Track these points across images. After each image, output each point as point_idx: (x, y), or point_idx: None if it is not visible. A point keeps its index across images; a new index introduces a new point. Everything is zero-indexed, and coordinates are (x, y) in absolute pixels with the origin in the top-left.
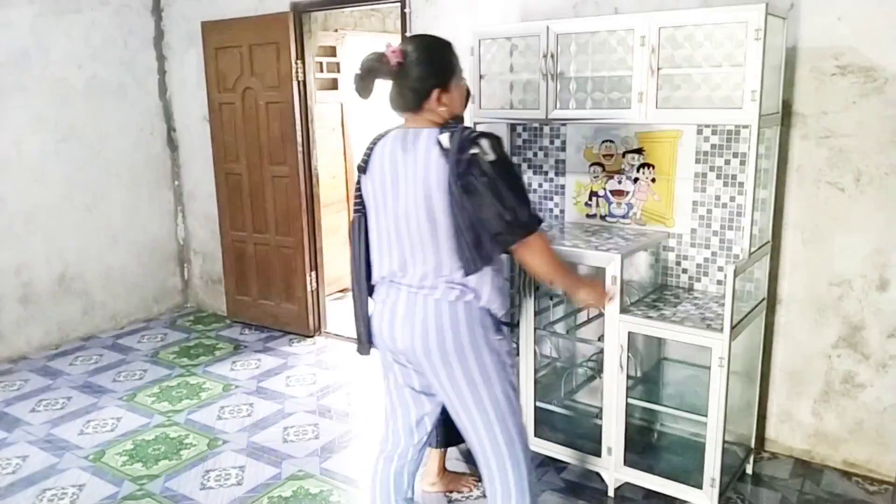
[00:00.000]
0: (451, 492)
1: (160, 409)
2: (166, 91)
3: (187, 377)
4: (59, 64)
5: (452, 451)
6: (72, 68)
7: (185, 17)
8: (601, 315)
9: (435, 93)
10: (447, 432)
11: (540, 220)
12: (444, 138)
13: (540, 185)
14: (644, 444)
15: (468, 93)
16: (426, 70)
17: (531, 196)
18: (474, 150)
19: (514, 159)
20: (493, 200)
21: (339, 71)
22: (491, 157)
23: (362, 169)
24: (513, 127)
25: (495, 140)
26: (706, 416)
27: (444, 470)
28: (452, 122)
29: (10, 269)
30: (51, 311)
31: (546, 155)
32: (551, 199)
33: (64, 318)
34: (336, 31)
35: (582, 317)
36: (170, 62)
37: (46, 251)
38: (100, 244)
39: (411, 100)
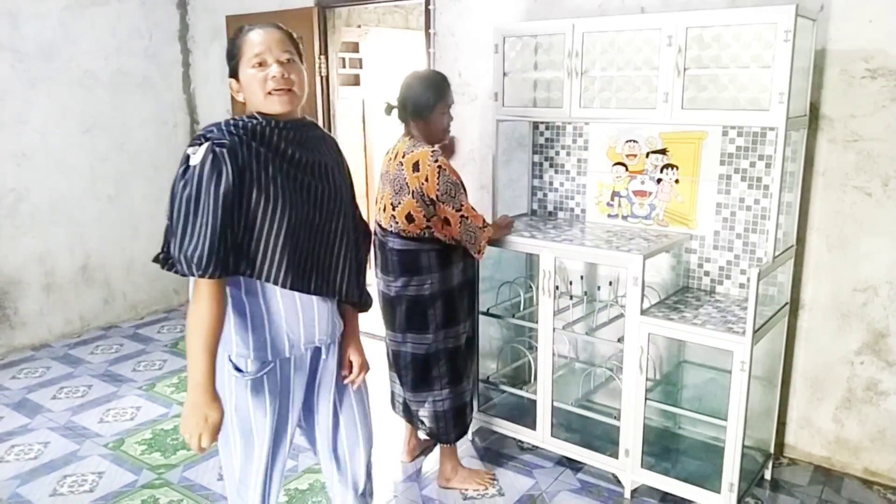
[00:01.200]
0: (466, 489)
1: (179, 400)
2: (190, 84)
3: None
4: (85, 56)
5: (468, 449)
6: (97, 60)
7: (209, 10)
8: (621, 315)
9: (231, 83)
10: (453, 427)
11: (205, 269)
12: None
13: (561, 185)
14: (662, 447)
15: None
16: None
17: (554, 195)
18: (190, 148)
19: (536, 158)
20: (170, 200)
21: (361, 67)
22: (192, 161)
23: None
24: (535, 125)
25: (210, 151)
26: (726, 420)
27: (458, 466)
28: (253, 116)
29: (34, 258)
30: (73, 300)
31: (568, 154)
32: (573, 198)
33: (85, 307)
34: (359, 26)
35: (602, 317)
36: (194, 55)
37: (69, 241)
38: (122, 235)
39: None
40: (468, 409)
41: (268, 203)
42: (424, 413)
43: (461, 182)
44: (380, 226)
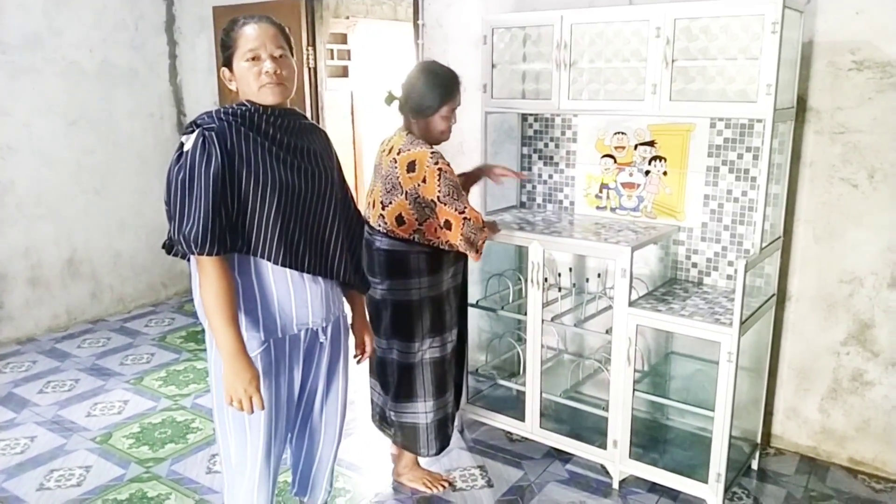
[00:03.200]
0: (416, 488)
1: (167, 393)
2: (177, 76)
3: (194, 362)
4: (71, 47)
5: (457, 441)
6: (83, 52)
7: (196, 2)
8: (610, 307)
9: (223, 71)
10: (435, 439)
11: (202, 246)
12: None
13: (550, 177)
14: (650, 438)
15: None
16: None
17: (543, 187)
18: (184, 136)
19: (524, 149)
20: (166, 186)
21: (349, 58)
22: (186, 146)
23: None
24: (524, 117)
25: (200, 135)
26: (713, 410)
27: (415, 465)
28: (243, 103)
29: (20, 252)
30: (59, 293)
31: (557, 146)
32: (561, 190)
33: (72, 300)
34: (347, 18)
35: (590, 309)
36: (181, 47)
37: (55, 234)
38: (108, 228)
39: None
40: (450, 421)
41: (257, 183)
42: (404, 425)
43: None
44: (367, 223)
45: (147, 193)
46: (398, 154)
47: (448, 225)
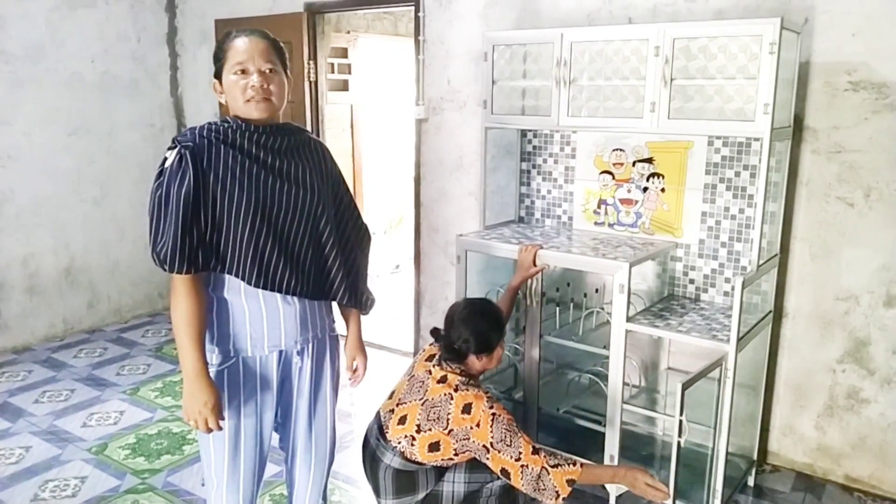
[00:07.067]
0: None
1: (163, 404)
2: (178, 88)
3: None
4: (73, 58)
5: None
6: (85, 62)
7: (198, 14)
8: (607, 322)
9: (215, 84)
10: None
11: (171, 265)
12: None
13: (549, 192)
14: (646, 453)
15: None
16: None
17: (541, 202)
18: (168, 152)
19: (524, 165)
20: (148, 204)
21: (350, 72)
22: (166, 163)
23: None
24: (523, 133)
25: (178, 153)
26: (710, 427)
27: None
28: (226, 119)
29: (17, 260)
30: (56, 303)
31: (556, 162)
32: (560, 206)
33: (69, 310)
34: (348, 32)
35: (588, 324)
36: (182, 59)
37: (54, 243)
38: (107, 238)
39: None
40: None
41: (231, 202)
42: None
43: (514, 420)
44: (381, 431)
45: (146, 204)
46: (455, 391)
47: (505, 473)
